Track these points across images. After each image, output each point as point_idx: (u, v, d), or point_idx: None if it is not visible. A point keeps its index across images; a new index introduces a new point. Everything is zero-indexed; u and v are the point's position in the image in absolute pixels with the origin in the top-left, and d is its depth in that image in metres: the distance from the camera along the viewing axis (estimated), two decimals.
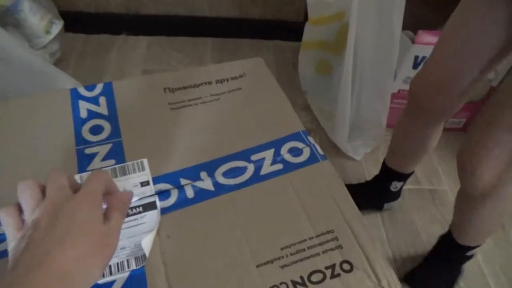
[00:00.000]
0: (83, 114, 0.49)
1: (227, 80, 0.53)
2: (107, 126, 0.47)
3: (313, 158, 0.44)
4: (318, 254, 0.36)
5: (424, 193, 1.01)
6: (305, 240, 0.37)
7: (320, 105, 1.13)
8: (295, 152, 0.45)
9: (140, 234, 0.37)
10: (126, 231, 0.36)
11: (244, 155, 0.44)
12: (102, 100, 0.51)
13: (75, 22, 1.27)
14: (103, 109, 0.50)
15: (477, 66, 0.60)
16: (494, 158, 0.58)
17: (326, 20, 0.99)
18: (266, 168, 0.43)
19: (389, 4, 0.83)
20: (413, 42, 0.95)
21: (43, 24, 1.05)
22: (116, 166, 0.42)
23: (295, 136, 0.46)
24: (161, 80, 0.53)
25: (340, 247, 0.36)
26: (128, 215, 0.38)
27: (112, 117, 0.48)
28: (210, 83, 0.53)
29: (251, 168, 0.43)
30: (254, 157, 0.43)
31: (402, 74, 1.01)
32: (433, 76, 0.66)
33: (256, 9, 1.41)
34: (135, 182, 0.41)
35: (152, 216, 0.38)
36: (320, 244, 0.37)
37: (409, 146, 0.82)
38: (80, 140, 0.45)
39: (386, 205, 0.96)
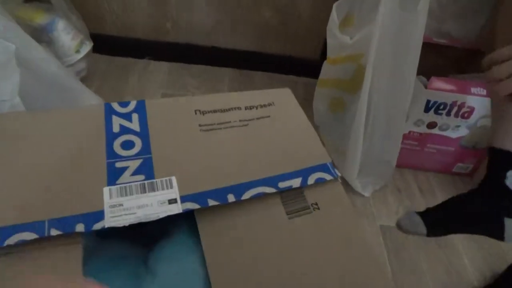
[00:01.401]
0: (116, 128, 0.50)
1: (256, 108, 0.55)
2: (138, 142, 0.49)
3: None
4: None
5: None
6: None
7: (332, 140, 1.16)
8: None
9: None
10: None
11: (271, 181, 0.45)
12: (135, 117, 0.53)
13: (103, 44, 1.33)
14: (135, 125, 0.51)
15: None
16: None
17: (343, 60, 1.03)
18: None
19: (405, 50, 0.87)
20: (425, 87, 0.99)
21: (74, 44, 1.11)
22: (145, 181, 0.44)
23: (323, 167, 0.48)
24: (192, 102, 0.55)
25: None
26: None
27: (143, 134, 0.50)
28: (239, 108, 0.55)
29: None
30: (281, 184, 0.45)
31: (413, 117, 1.05)
32: None
33: (275, 45, 1.47)
34: (163, 199, 0.42)
35: None
36: None
37: None
38: (111, 154, 0.46)
39: (508, 223, 0.58)
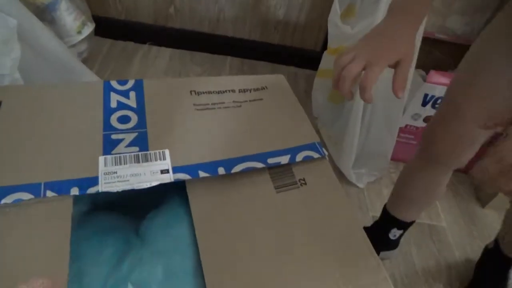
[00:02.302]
0: (113, 104, 0.52)
1: (250, 91, 0.57)
2: (134, 117, 0.50)
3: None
4: None
5: (422, 227, 1.03)
6: None
7: (329, 131, 1.16)
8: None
9: None
10: None
11: (261, 157, 0.46)
12: (132, 94, 0.54)
13: (105, 27, 1.33)
14: (132, 102, 0.53)
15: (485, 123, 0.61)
16: None
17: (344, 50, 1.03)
18: None
19: None
20: (424, 80, 0.99)
21: (76, 24, 1.11)
22: (139, 152, 0.45)
23: (311, 146, 0.49)
24: (188, 83, 0.57)
25: None
26: None
27: (139, 110, 0.51)
28: (233, 91, 0.56)
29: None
30: (270, 160, 0.46)
31: (411, 110, 1.05)
32: (447, 123, 0.67)
33: (276, 35, 1.47)
34: (156, 169, 0.43)
35: None
36: None
37: (416, 194, 0.80)
38: (108, 127, 0.48)
39: (382, 254, 0.93)
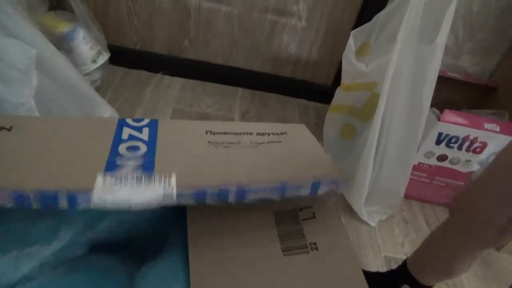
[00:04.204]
0: (124, 136, 0.50)
1: (268, 134, 0.55)
2: (143, 148, 0.48)
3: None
4: None
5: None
6: None
7: (341, 166, 1.15)
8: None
9: None
10: None
11: (278, 189, 0.43)
12: (146, 130, 0.53)
13: (120, 56, 1.35)
14: (144, 135, 0.51)
15: None
16: None
17: (357, 87, 1.04)
18: None
19: (421, 82, 0.87)
20: (438, 119, 0.98)
21: (92, 54, 1.13)
22: (143, 174, 0.41)
23: (334, 181, 0.45)
24: (205, 125, 0.55)
25: None
26: None
27: (150, 142, 0.49)
28: (251, 133, 0.54)
29: None
30: (288, 194, 0.42)
31: (424, 148, 1.04)
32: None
33: (287, 69, 1.49)
34: (158, 192, 0.39)
35: None
36: None
37: (440, 261, 0.73)
38: (114, 153, 0.45)
39: None
